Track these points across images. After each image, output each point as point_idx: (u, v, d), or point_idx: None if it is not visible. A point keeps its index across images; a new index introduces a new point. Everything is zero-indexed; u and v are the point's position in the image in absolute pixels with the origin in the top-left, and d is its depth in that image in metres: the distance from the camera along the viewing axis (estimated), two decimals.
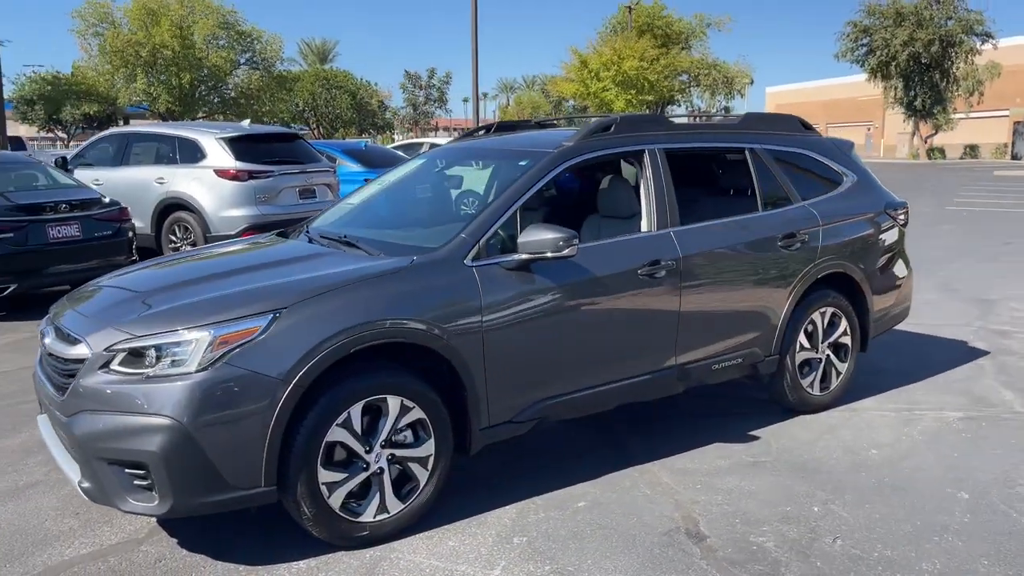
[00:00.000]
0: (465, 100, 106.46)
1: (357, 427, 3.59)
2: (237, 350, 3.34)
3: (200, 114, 38.61)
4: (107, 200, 8.96)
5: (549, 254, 3.95)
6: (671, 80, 39.57)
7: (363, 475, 3.64)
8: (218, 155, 10.23)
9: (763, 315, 4.94)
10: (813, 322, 5.23)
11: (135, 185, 10.63)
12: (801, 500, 4.13)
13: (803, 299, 5.12)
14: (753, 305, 4.89)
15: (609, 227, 4.76)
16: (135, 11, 36.66)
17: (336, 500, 3.57)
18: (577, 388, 4.27)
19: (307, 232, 4.80)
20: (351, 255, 4.12)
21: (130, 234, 9.01)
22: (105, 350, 3.41)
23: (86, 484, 3.45)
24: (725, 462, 4.61)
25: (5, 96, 40.48)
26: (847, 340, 5.42)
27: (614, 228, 4.72)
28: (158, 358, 3.35)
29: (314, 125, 50.45)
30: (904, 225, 5.81)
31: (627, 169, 5.38)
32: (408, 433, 3.78)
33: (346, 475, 3.60)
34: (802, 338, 5.17)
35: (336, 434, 3.54)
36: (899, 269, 5.78)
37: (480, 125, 5.21)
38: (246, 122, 12.59)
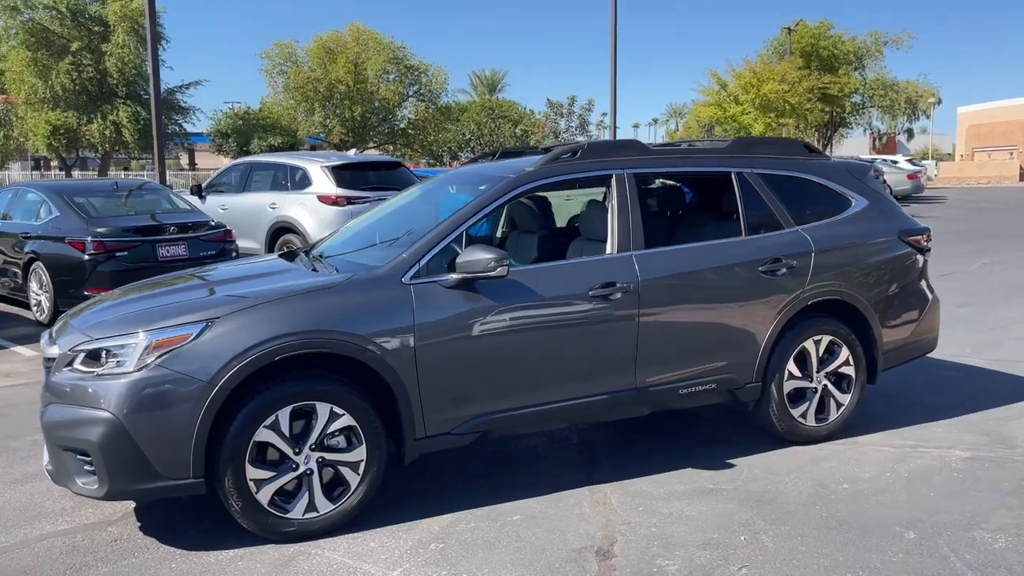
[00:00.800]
0: (635, 126, 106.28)
1: (285, 429, 3.92)
2: (170, 354, 3.75)
3: (370, 144, 40.92)
4: (213, 223, 9.89)
5: (480, 273, 4.15)
6: (815, 102, 37.67)
7: (292, 475, 3.96)
8: (322, 182, 11.02)
9: (740, 341, 4.87)
10: (805, 350, 5.07)
11: (253, 210, 11.61)
12: (734, 528, 4.06)
13: (791, 326, 4.99)
14: (727, 330, 4.83)
15: (588, 249, 4.89)
16: (315, 50, 39.50)
17: (264, 496, 3.90)
18: (523, 405, 4.41)
19: (304, 251, 5.21)
20: (309, 272, 4.49)
21: (233, 254, 9.88)
22: (70, 350, 3.93)
23: (50, 467, 3.98)
24: (685, 487, 4.58)
25: (204, 130, 44.62)
26: (850, 370, 5.21)
27: (591, 250, 4.84)
28: (107, 358, 3.82)
29: (479, 153, 52.16)
30: (925, 252, 5.52)
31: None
32: (341, 438, 4.07)
33: (274, 473, 3.92)
34: (791, 366, 5.03)
35: (264, 435, 3.87)
36: (917, 298, 5.49)
37: (486, 152, 5.42)
38: (353, 151, 13.43)
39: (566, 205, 6.75)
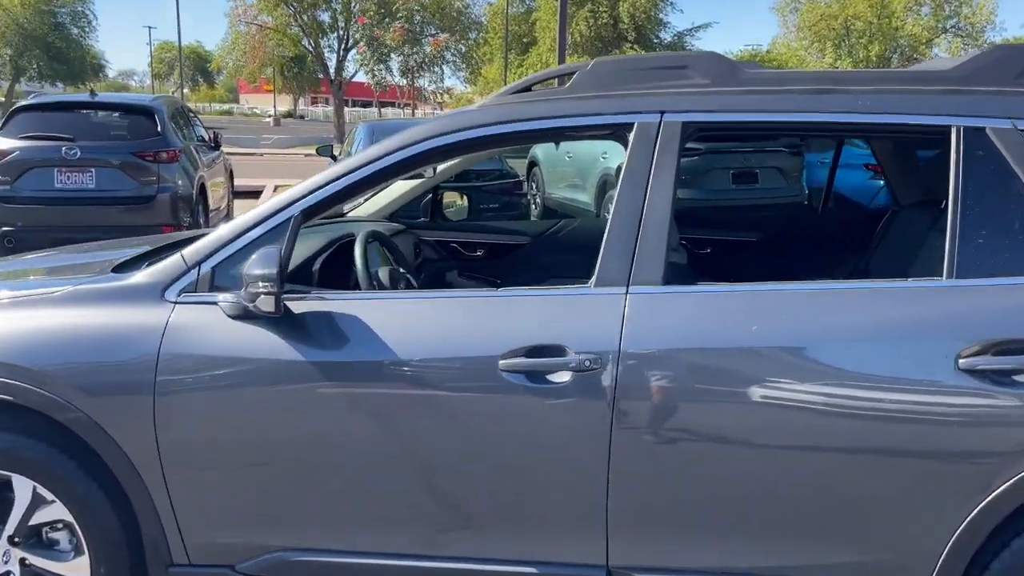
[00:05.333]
0: None
1: None
2: None
3: None
4: (510, 174, 9.32)
5: (246, 302, 2.22)
6: None
7: None
8: None
9: (884, 518, 2.10)
10: None
11: (589, 159, 10.16)
12: None
13: None
14: (846, 488, 2.11)
15: (563, 271, 2.56)
16: None
17: None
18: (365, 550, 2.37)
19: None
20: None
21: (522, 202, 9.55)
22: None
23: None
24: None
25: None
26: None
27: (569, 273, 2.51)
28: None
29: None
30: None
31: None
32: (63, 536, 2.53)
33: None
34: None
35: None
36: None
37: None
38: None
39: None
